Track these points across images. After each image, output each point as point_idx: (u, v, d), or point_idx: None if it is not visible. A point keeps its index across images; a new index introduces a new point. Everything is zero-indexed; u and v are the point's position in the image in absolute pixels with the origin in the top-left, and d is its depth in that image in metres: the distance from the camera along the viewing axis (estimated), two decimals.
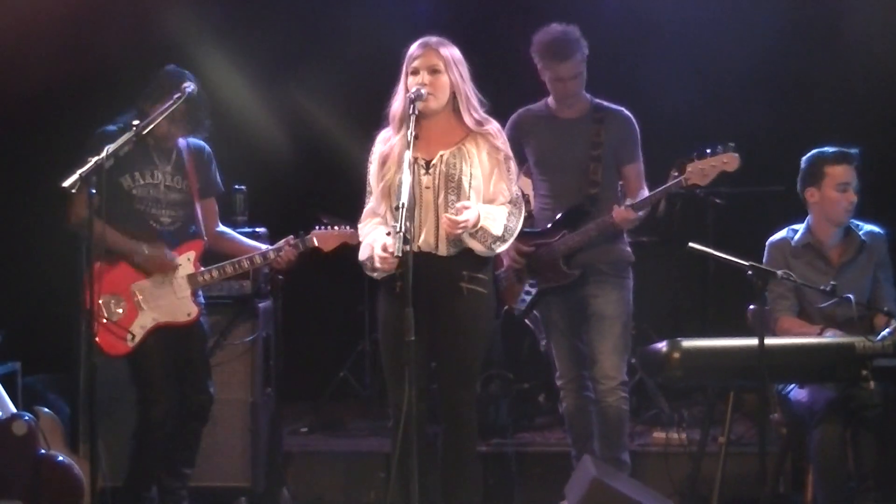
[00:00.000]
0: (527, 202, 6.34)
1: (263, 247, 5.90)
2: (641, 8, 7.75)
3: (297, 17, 8.11)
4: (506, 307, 6.11)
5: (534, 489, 6.45)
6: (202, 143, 5.94)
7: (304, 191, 7.95)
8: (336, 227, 5.82)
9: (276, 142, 7.99)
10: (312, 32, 8.08)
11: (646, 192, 5.78)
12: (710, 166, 5.53)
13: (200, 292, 5.91)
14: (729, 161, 5.52)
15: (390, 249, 4.87)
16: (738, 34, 7.67)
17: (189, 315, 5.74)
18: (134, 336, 5.62)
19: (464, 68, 5.15)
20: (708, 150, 5.53)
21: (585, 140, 5.86)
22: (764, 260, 5.68)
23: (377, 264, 5.04)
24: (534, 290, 5.95)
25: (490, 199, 5.14)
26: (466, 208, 4.98)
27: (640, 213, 5.69)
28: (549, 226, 5.92)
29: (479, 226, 5.01)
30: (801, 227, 5.69)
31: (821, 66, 7.76)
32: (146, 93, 5.68)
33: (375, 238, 5.11)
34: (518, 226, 5.18)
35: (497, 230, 5.06)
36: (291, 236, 5.84)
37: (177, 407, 5.75)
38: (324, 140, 8.00)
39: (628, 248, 5.97)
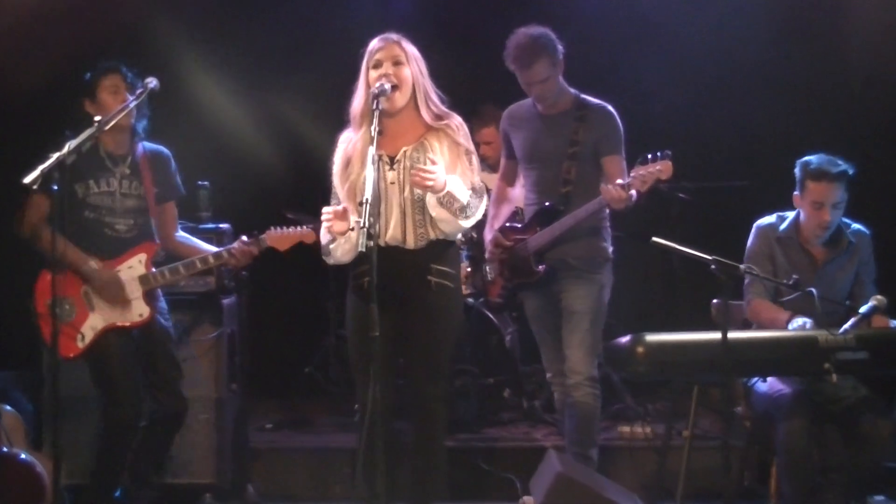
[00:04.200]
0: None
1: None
2: (624, 5, 7.80)
3: (266, 13, 8.09)
4: (481, 298, 6.39)
5: (500, 484, 6.45)
6: (160, 147, 5.92)
7: (268, 187, 7.93)
8: (291, 228, 5.78)
9: (241, 137, 7.96)
10: (281, 28, 8.06)
11: None
12: (647, 173, 5.53)
13: (161, 295, 5.89)
14: (663, 168, 5.51)
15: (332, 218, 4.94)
16: (711, 27, 7.71)
17: (141, 316, 5.68)
18: (84, 337, 5.59)
19: (422, 64, 5.16)
20: (649, 157, 5.54)
21: (564, 137, 5.91)
22: (749, 241, 5.69)
23: (327, 235, 5.04)
24: (509, 285, 6.13)
25: None
26: (434, 164, 4.99)
27: (632, 194, 5.61)
28: (527, 222, 6.04)
29: (445, 190, 4.98)
30: (790, 217, 5.68)
31: (790, 61, 7.80)
32: (97, 78, 5.68)
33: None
34: (480, 213, 5.19)
35: (463, 198, 5.04)
36: (244, 236, 5.81)
37: (143, 409, 5.69)
38: (289, 135, 7.98)
39: (607, 245, 5.99)
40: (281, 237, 5.77)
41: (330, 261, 5.20)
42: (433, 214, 5.07)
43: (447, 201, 5.02)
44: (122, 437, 5.64)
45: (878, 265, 5.69)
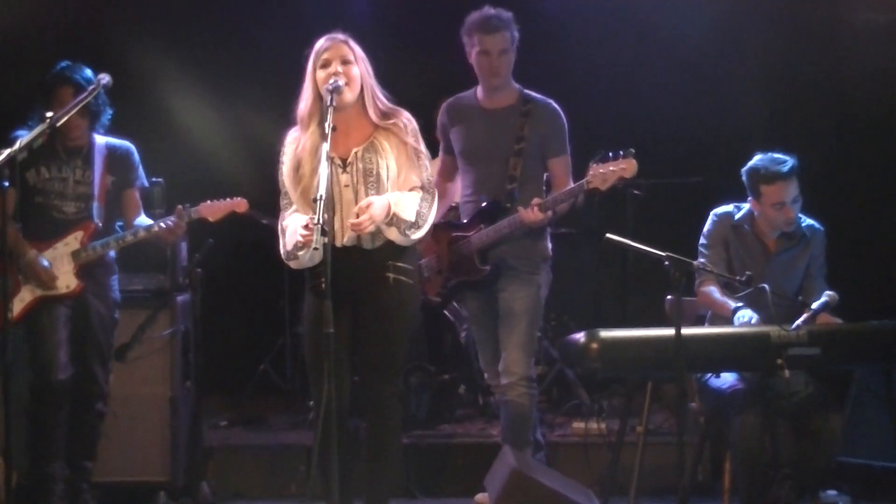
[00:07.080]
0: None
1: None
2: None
3: (223, 12, 8.05)
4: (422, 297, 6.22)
5: (455, 481, 6.46)
6: (125, 141, 5.99)
7: (223, 183, 7.84)
8: (223, 200, 5.89)
9: (195, 134, 7.91)
10: (238, 25, 8.03)
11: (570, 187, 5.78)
12: (609, 171, 5.48)
13: (116, 288, 5.93)
14: (627, 167, 5.46)
15: (308, 232, 4.85)
16: (664, 22, 7.74)
17: (68, 287, 5.75)
18: (13, 309, 5.60)
19: (368, 64, 5.15)
20: (610, 154, 5.49)
21: (509, 133, 5.83)
22: (706, 226, 5.69)
23: (298, 240, 4.97)
24: (449, 283, 6.01)
25: (402, 189, 5.13)
26: (370, 204, 4.96)
27: (549, 213, 5.66)
28: (469, 219, 5.94)
29: (391, 214, 5.00)
30: (745, 207, 5.68)
31: (743, 57, 7.84)
32: (51, 87, 5.70)
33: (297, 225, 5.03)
34: (431, 212, 5.18)
35: (410, 216, 5.05)
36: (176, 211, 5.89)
37: (70, 383, 5.74)
38: (245, 132, 7.94)
39: (546, 244, 5.95)
40: (212, 207, 5.88)
41: (294, 265, 5.16)
42: (384, 231, 5.07)
43: (395, 222, 5.03)
44: (45, 401, 5.69)
45: (828, 262, 5.73)
